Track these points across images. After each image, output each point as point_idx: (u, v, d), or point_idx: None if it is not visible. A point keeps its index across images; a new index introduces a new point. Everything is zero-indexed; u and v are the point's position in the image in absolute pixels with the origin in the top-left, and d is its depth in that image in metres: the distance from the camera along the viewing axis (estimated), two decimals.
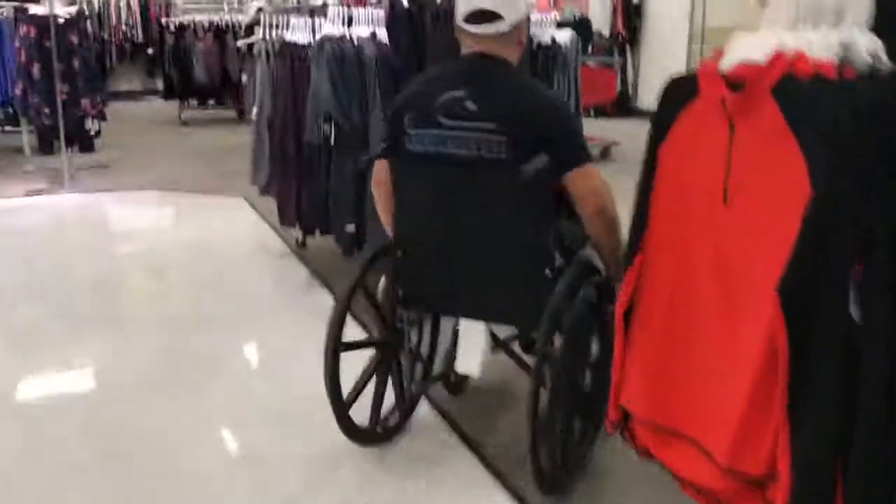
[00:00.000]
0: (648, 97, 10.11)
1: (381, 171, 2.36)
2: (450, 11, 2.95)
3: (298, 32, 4.08)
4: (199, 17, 9.84)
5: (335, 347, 2.19)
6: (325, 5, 3.96)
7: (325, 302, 3.50)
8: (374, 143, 3.57)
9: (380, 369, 2.38)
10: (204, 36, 9.61)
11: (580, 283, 2.06)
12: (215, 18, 9.76)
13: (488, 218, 2.15)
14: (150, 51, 11.23)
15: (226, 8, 10.54)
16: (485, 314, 2.27)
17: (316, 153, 3.86)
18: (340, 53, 3.60)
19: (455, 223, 2.20)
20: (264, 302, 3.91)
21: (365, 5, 3.89)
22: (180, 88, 9.75)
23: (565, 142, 2.12)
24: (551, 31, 4.40)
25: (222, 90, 9.72)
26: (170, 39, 9.74)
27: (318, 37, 3.80)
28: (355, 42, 3.68)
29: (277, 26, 4.16)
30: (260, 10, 5.60)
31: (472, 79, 2.15)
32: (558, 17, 4.58)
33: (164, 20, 10.27)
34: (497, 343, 2.39)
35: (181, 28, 9.75)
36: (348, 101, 3.60)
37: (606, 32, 10.42)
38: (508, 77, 2.19)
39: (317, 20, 3.94)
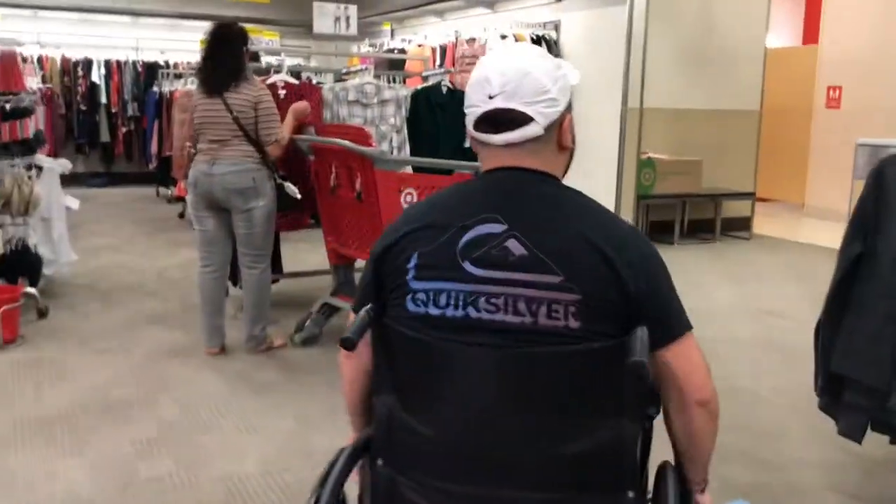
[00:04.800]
0: None
1: (352, 360, 1.52)
2: None
3: None
4: None
5: None
6: None
7: None
8: None
9: None
10: None
11: None
12: None
13: (546, 419, 1.35)
14: None
15: None
16: None
17: None
18: None
19: (484, 425, 1.36)
20: None
21: None
22: None
23: (659, 301, 1.36)
24: None
25: None
26: None
27: None
28: None
29: None
30: None
31: (510, 204, 1.38)
32: None
33: None
34: None
35: None
36: None
37: None
38: (566, 200, 1.40)
39: None
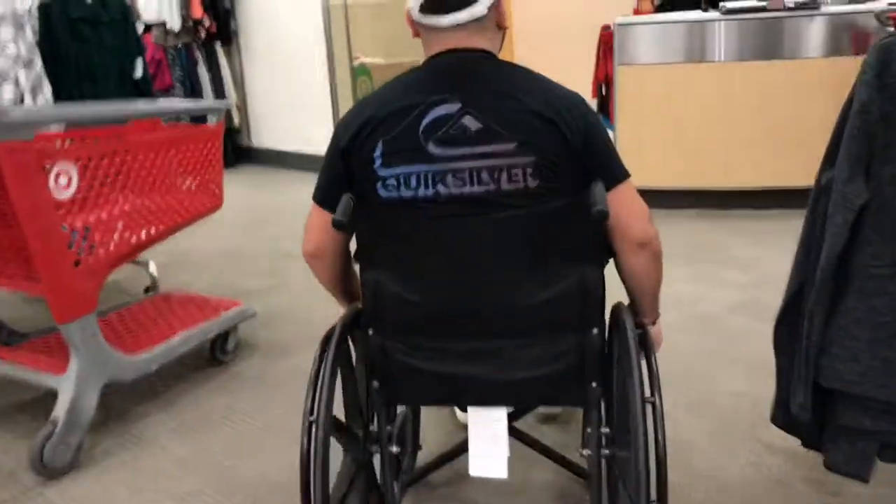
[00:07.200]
0: (264, 129, 6.85)
1: (318, 234, 1.65)
2: None
3: None
4: None
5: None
6: None
7: None
8: None
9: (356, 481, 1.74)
10: None
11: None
12: None
13: (521, 273, 1.53)
14: None
15: None
16: (512, 397, 1.67)
17: None
18: None
19: (467, 287, 1.55)
20: None
21: None
22: None
23: (601, 151, 1.51)
24: None
25: None
26: None
27: None
28: None
29: None
30: None
31: (461, 84, 1.50)
32: None
33: None
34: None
35: None
36: None
37: (174, 23, 6.12)
38: (510, 74, 1.54)
39: None
